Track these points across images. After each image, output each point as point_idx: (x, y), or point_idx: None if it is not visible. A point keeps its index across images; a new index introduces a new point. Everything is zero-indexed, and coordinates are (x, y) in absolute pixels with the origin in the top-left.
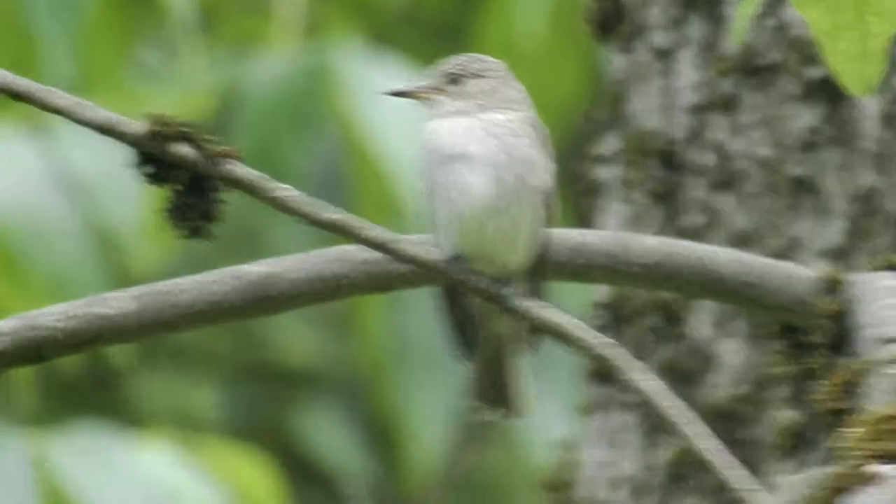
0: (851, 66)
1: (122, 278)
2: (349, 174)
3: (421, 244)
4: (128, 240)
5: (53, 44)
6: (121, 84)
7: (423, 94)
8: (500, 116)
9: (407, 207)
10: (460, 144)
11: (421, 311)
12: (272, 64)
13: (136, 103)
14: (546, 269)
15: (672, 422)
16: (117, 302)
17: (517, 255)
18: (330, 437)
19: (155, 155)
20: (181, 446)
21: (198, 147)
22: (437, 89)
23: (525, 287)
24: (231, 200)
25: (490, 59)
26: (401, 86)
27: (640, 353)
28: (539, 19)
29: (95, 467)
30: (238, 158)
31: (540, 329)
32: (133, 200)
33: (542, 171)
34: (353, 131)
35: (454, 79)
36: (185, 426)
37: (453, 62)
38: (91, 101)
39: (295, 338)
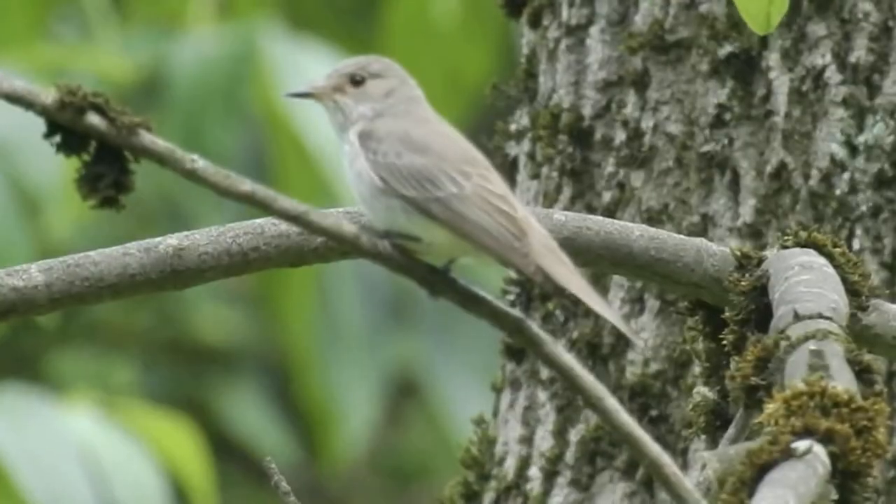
0: (754, 3)
1: (43, 245)
2: (275, 156)
3: (333, 216)
4: (47, 206)
5: None
6: (34, 52)
7: (325, 96)
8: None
9: (333, 187)
10: None
11: (344, 290)
12: (195, 45)
13: (50, 76)
14: None
15: (587, 395)
16: (27, 274)
17: None
18: (250, 415)
19: (65, 124)
20: (104, 410)
21: (107, 118)
22: (339, 91)
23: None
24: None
25: (388, 59)
26: (303, 87)
27: (551, 329)
28: None
29: (19, 427)
30: (149, 129)
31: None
32: (53, 168)
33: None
34: (278, 114)
35: (355, 80)
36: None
37: (353, 62)
38: (1, 68)
39: (214, 316)
